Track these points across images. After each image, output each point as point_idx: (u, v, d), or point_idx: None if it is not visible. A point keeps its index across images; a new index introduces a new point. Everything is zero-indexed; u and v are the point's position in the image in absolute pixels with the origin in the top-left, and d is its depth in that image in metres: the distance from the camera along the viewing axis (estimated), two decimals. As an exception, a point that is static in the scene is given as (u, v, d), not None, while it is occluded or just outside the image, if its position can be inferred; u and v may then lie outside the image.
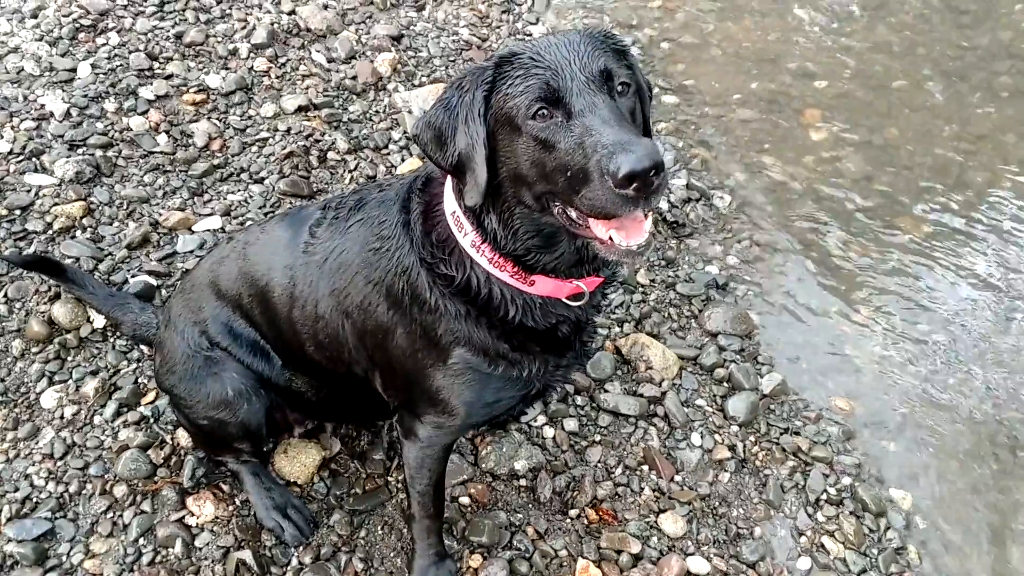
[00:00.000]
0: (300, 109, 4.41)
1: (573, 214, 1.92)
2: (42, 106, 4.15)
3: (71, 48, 4.51)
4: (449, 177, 2.18)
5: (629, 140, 1.73)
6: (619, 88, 1.95)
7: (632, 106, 2.00)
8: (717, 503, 3.27)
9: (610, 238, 1.88)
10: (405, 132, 4.43)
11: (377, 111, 4.56)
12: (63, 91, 4.25)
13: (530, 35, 5.38)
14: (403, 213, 2.32)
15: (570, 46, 1.93)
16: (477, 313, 2.23)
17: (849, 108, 5.33)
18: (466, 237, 2.15)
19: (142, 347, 3.33)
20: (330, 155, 4.23)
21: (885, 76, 5.57)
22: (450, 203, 2.19)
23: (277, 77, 4.60)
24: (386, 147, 4.36)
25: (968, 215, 4.70)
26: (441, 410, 2.41)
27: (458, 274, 2.20)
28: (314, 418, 3.11)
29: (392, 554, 2.95)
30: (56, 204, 3.73)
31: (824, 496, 3.33)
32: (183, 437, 3.09)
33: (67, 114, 4.13)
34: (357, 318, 2.45)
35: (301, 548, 2.90)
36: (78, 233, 3.67)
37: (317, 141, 4.28)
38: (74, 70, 4.37)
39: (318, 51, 4.81)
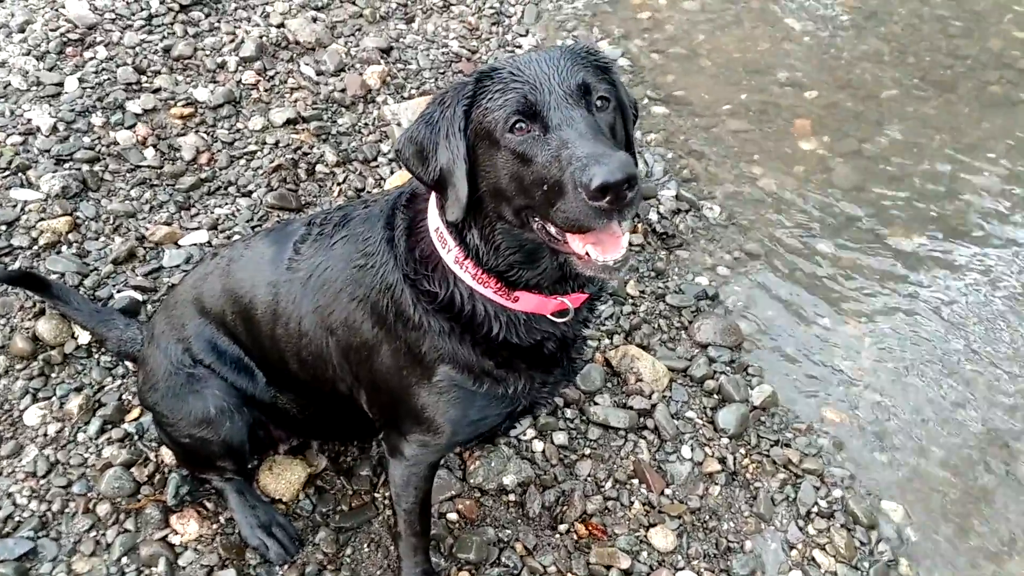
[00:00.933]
0: (288, 122, 4.39)
1: (552, 229, 1.91)
2: (29, 121, 4.13)
3: (58, 62, 4.49)
4: (433, 193, 2.17)
5: (603, 153, 1.72)
6: (598, 103, 1.95)
7: (611, 121, 2.00)
8: (707, 517, 3.24)
9: (587, 253, 1.88)
10: (394, 144, 4.42)
11: (366, 124, 4.55)
12: (50, 105, 4.23)
13: (519, 47, 5.37)
14: (387, 229, 2.31)
15: (550, 61, 1.94)
16: (461, 330, 2.21)
17: (839, 118, 5.33)
18: (449, 253, 2.14)
19: (127, 363, 3.30)
20: (318, 168, 4.21)
21: (875, 86, 5.57)
22: (434, 219, 2.18)
23: (266, 90, 4.59)
24: (375, 159, 4.35)
25: (959, 225, 4.69)
26: (426, 428, 2.39)
27: (441, 290, 2.19)
28: (299, 435, 3.09)
29: (379, 572, 2.92)
30: (42, 219, 3.71)
31: (815, 509, 3.31)
32: (167, 454, 3.06)
33: (54, 129, 4.11)
34: (341, 335, 2.43)
35: (286, 566, 2.87)
36: (64, 248, 3.65)
37: (305, 154, 4.26)
38: (61, 84, 4.35)
39: (307, 64, 4.79)
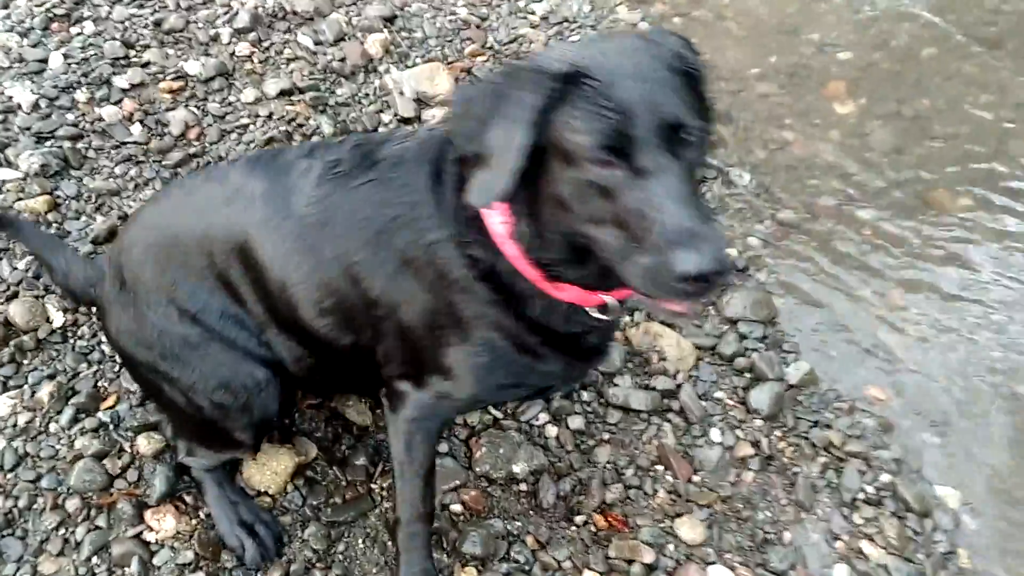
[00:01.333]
0: (283, 93, 4.13)
1: None
2: (9, 98, 3.91)
3: (43, 38, 4.27)
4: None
5: (695, 231, 1.58)
6: (689, 139, 1.72)
7: (697, 158, 1.78)
8: (740, 505, 2.95)
9: None
10: (396, 114, 4.15)
11: (367, 94, 4.28)
12: (32, 82, 4.01)
13: (532, 13, 5.05)
14: (434, 180, 2.11)
15: (643, 80, 1.71)
16: (504, 301, 2.08)
17: (876, 80, 4.97)
18: (501, 224, 1.99)
19: (100, 338, 3.06)
20: (314, 140, 3.95)
21: (914, 45, 5.20)
22: None
23: (260, 62, 4.33)
24: (375, 130, 4.08)
25: (1009, 186, 4.33)
26: (449, 377, 2.21)
27: (485, 258, 2.04)
28: (295, 389, 2.77)
29: (375, 570, 2.65)
30: (20, 199, 3.48)
31: (861, 495, 3.01)
32: (143, 444, 2.81)
33: (35, 106, 3.88)
34: (367, 286, 2.21)
35: (260, 573, 2.60)
36: (42, 228, 3.42)
37: (300, 126, 4.01)
38: (45, 61, 4.12)
39: (305, 34, 4.53)
